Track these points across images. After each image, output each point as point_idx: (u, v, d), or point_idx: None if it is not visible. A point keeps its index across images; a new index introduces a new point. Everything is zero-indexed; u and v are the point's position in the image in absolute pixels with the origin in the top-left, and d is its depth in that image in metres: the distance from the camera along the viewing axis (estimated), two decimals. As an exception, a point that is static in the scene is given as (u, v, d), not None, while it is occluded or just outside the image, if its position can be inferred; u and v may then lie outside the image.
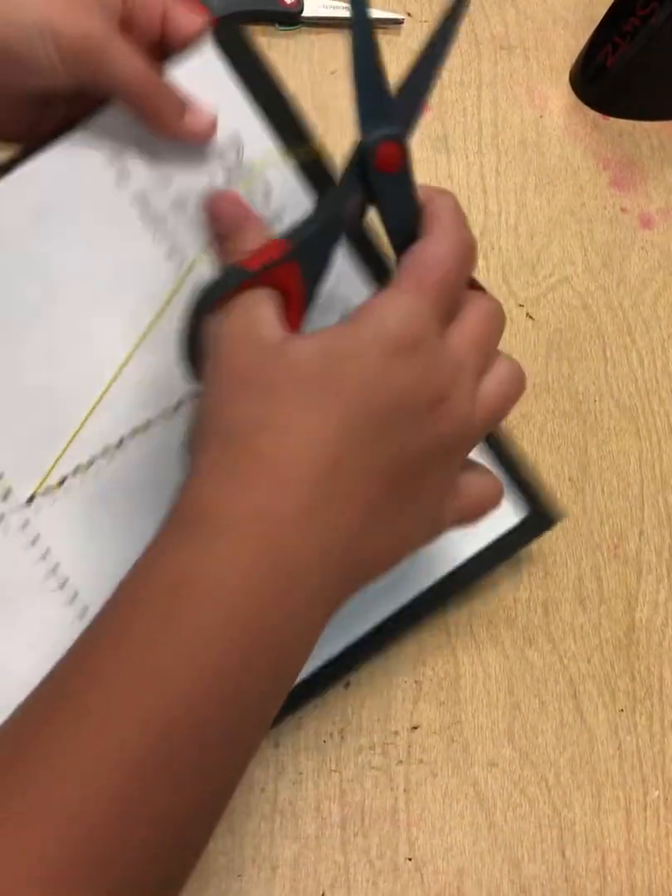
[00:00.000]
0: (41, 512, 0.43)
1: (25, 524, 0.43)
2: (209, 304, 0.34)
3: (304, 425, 0.31)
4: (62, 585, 0.43)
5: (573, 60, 0.69)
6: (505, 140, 0.66)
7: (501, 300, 0.58)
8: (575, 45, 0.69)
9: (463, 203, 0.60)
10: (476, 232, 0.60)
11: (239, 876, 0.43)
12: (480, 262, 0.61)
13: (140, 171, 0.41)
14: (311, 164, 0.42)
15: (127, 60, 0.37)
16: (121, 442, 0.43)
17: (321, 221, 0.36)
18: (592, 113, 0.68)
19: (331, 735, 0.46)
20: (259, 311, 0.34)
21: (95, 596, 0.38)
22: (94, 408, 0.43)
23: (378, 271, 0.43)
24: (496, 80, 0.68)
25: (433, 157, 0.64)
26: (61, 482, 0.43)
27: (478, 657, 0.48)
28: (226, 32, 0.41)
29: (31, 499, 0.43)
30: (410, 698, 0.48)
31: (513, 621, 0.49)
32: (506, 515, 0.47)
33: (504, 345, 0.56)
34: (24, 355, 0.42)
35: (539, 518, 0.48)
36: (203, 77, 0.40)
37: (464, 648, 0.49)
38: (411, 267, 0.34)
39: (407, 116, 0.36)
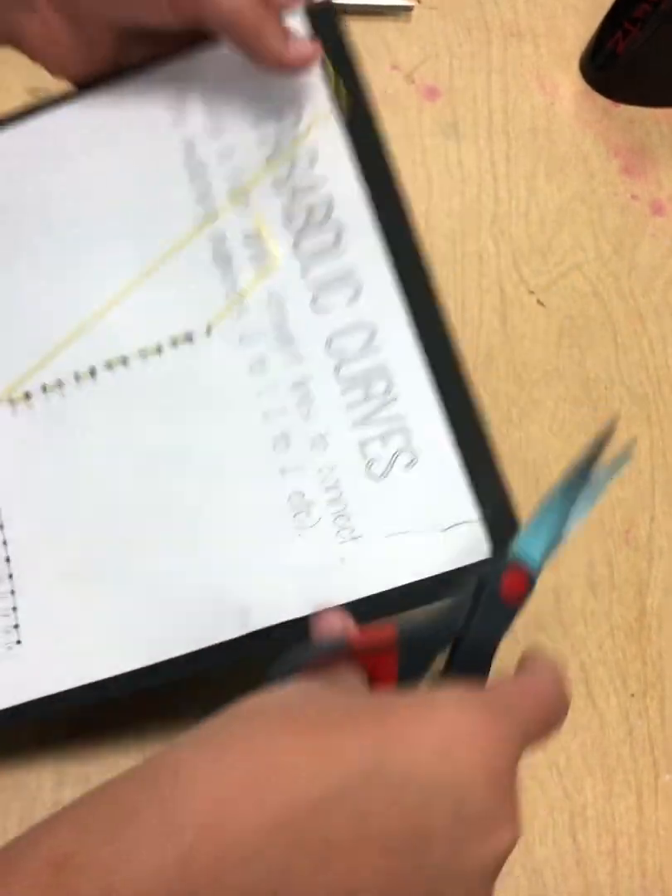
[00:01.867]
0: None
1: None
2: (299, 663, 0.32)
3: None
4: None
5: (583, 47, 0.69)
6: (515, 127, 0.66)
7: (512, 287, 0.59)
8: (585, 32, 0.69)
9: (473, 190, 0.61)
10: (487, 219, 0.60)
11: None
12: (491, 248, 0.61)
13: (196, 118, 0.45)
14: (357, 119, 0.44)
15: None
16: (94, 373, 0.44)
17: (437, 627, 0.35)
18: (603, 100, 0.68)
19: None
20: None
21: (16, 524, 0.42)
22: (79, 331, 0.44)
23: None
24: (506, 66, 0.68)
25: (443, 143, 0.64)
26: (26, 396, 0.44)
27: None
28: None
29: None
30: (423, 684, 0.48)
31: (523, 607, 0.49)
32: (470, 546, 0.40)
33: (515, 331, 0.56)
34: (29, 266, 0.45)
35: (493, 529, 0.40)
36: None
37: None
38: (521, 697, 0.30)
39: (547, 548, 0.36)
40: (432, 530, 0.40)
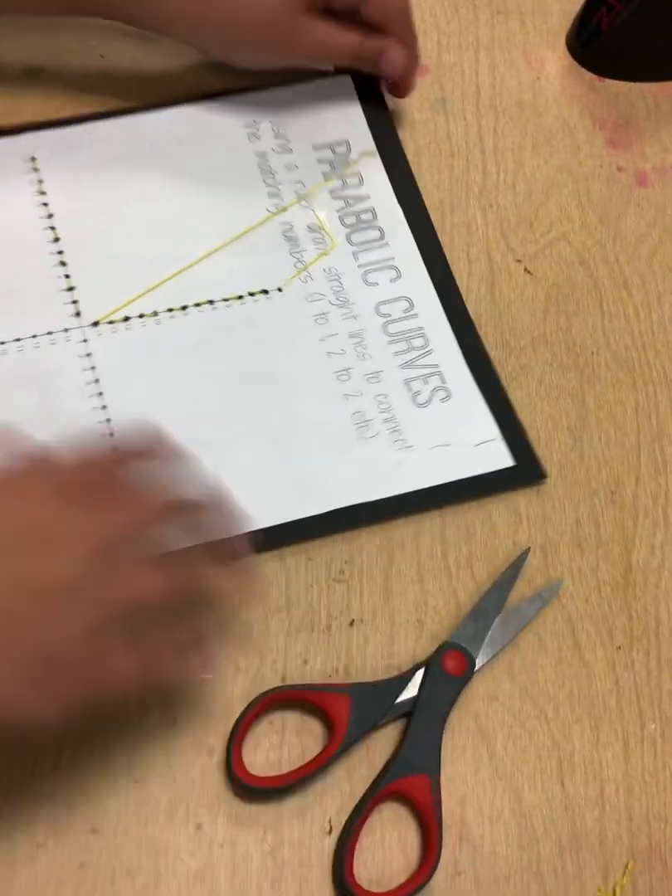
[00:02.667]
0: (101, 337, 0.54)
1: (85, 340, 0.53)
2: None
3: None
4: (97, 395, 0.52)
5: (569, 24, 0.70)
6: (502, 102, 0.67)
7: (500, 256, 0.60)
8: (570, 9, 0.70)
9: (462, 163, 0.62)
10: (475, 191, 0.61)
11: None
12: (479, 219, 0.62)
13: (268, 137, 0.61)
14: (391, 154, 0.62)
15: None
16: (185, 308, 0.55)
17: (386, 684, 0.47)
18: (589, 75, 0.69)
19: (336, 670, 0.48)
20: None
21: (119, 421, 0.51)
22: (175, 274, 0.56)
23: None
24: (493, 43, 0.69)
25: (432, 118, 0.65)
26: (125, 319, 0.54)
27: (478, 597, 0.50)
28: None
29: (95, 323, 0.54)
30: (413, 636, 0.49)
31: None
32: (497, 456, 0.53)
33: (504, 299, 0.57)
34: (128, 223, 0.57)
35: (522, 472, 0.54)
36: (338, 89, 0.63)
37: (464, 589, 0.51)
38: None
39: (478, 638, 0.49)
40: (466, 445, 0.54)
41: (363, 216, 0.60)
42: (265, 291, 0.57)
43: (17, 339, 0.53)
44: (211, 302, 0.56)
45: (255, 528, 0.46)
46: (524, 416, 0.55)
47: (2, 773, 0.44)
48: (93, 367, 0.53)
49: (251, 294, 0.56)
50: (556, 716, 0.48)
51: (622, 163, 0.66)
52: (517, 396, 0.56)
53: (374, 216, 0.60)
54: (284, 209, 0.59)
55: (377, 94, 0.63)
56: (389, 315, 0.57)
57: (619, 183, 0.65)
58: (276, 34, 0.56)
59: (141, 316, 0.55)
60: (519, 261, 0.61)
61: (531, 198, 0.63)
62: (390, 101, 0.64)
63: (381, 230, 0.60)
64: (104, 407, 0.52)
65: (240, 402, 0.53)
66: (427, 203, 0.62)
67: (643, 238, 0.63)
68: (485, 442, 0.54)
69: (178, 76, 0.64)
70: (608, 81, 0.69)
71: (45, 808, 0.44)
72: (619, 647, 0.50)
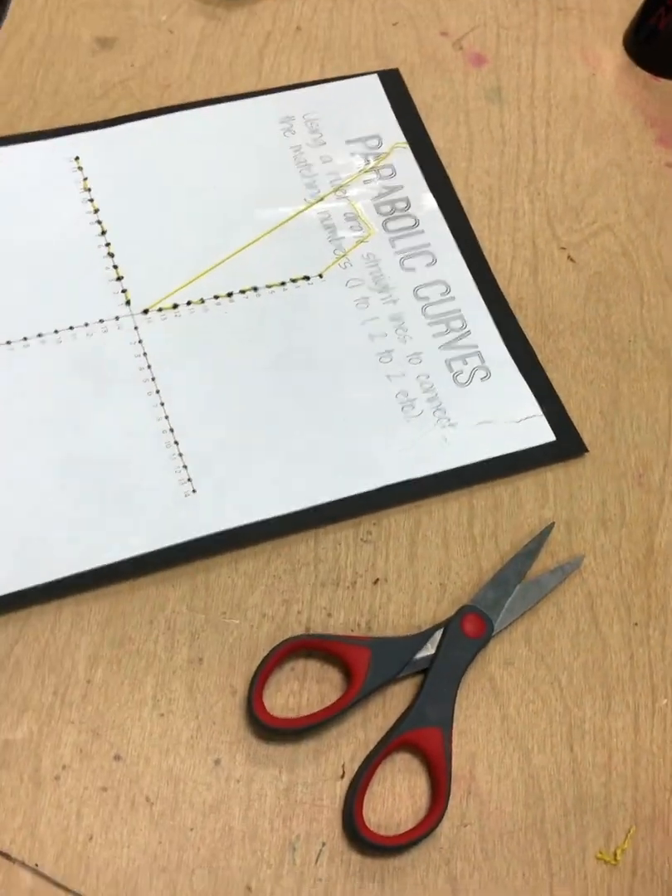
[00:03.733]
0: (151, 324, 0.56)
1: (136, 328, 0.56)
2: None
3: None
4: (150, 381, 0.54)
5: (627, 23, 0.71)
6: (556, 95, 0.68)
7: (544, 243, 0.61)
8: (629, 9, 0.71)
9: (512, 151, 0.64)
10: (524, 179, 0.63)
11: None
12: (527, 206, 0.63)
13: (302, 131, 0.64)
14: (421, 147, 0.64)
15: None
16: (230, 295, 0.58)
17: (406, 640, 0.49)
18: (644, 74, 0.70)
19: (358, 625, 0.49)
20: None
21: (175, 405, 0.53)
22: (219, 262, 0.58)
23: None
24: (551, 39, 0.71)
25: (486, 107, 0.67)
26: (174, 306, 0.57)
27: (500, 566, 0.51)
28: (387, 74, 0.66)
29: (145, 311, 0.56)
30: (434, 599, 0.51)
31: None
32: (539, 432, 0.54)
33: (546, 284, 0.59)
34: (172, 217, 0.60)
35: (563, 446, 0.55)
36: (366, 87, 0.66)
37: (487, 557, 0.52)
38: None
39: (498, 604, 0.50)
40: (509, 422, 0.55)
41: (397, 205, 0.62)
42: (307, 277, 0.59)
43: (71, 328, 0.55)
44: (255, 288, 0.58)
45: (307, 506, 0.51)
46: (559, 396, 0.57)
47: (33, 698, 0.46)
48: (144, 353, 0.55)
49: (293, 280, 0.59)
50: (569, 684, 0.49)
51: (671, 160, 0.67)
52: (553, 378, 0.58)
53: (408, 205, 0.62)
54: (321, 199, 0.62)
55: (403, 90, 0.66)
56: (427, 298, 0.59)
57: (667, 179, 0.66)
58: None
59: (189, 303, 0.57)
60: (563, 248, 0.62)
61: (579, 188, 0.65)
62: (442, 92, 0.66)
63: (415, 218, 0.62)
64: (158, 391, 0.54)
65: (288, 385, 0.55)
66: (476, 188, 0.64)
67: (687, 233, 0.64)
68: (526, 418, 0.56)
69: (230, 60, 0.66)
70: (663, 81, 0.70)
71: (72, 734, 0.46)
72: (636, 624, 0.51)
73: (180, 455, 0.52)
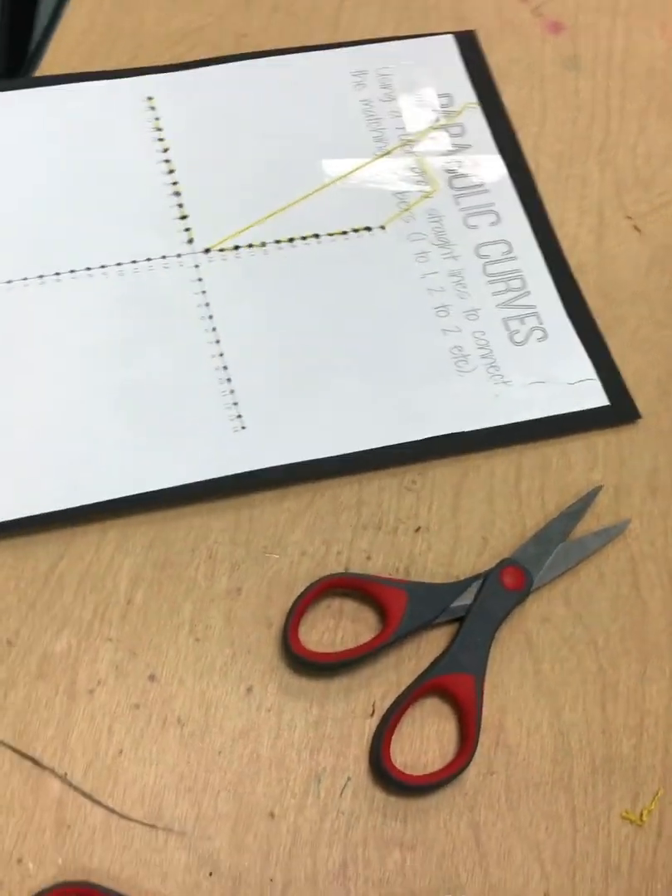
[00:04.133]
0: (212, 263, 0.56)
1: (197, 266, 0.56)
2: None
3: None
4: (207, 319, 0.55)
5: (711, -2, 0.70)
6: (633, 66, 0.68)
7: (611, 212, 0.61)
8: (714, -16, 0.70)
9: (586, 119, 0.63)
10: (595, 147, 0.63)
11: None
12: (596, 175, 0.63)
13: (373, 87, 0.64)
14: (493, 109, 0.64)
15: None
16: (292, 240, 0.58)
17: (445, 586, 0.48)
18: (723, 51, 0.69)
19: (396, 569, 0.50)
20: None
21: (230, 343, 0.54)
22: (283, 208, 0.59)
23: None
24: (631, 10, 0.70)
25: (562, 73, 0.67)
26: (235, 248, 0.57)
27: (544, 524, 0.51)
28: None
29: (207, 250, 0.57)
30: (475, 551, 0.51)
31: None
32: (593, 395, 0.54)
33: (608, 253, 0.59)
34: (241, 160, 0.60)
35: (617, 410, 0.55)
36: (441, 46, 0.66)
37: (531, 516, 0.52)
38: None
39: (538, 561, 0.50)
40: (562, 383, 0.55)
41: (465, 163, 0.62)
42: (368, 228, 0.59)
43: (133, 261, 0.56)
44: (316, 236, 0.58)
45: (355, 450, 0.51)
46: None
47: (74, 613, 0.47)
48: (203, 292, 0.55)
49: (355, 230, 0.59)
50: (606, 645, 0.49)
51: None
52: (610, 345, 0.57)
53: (476, 164, 0.62)
54: (389, 153, 0.62)
55: (478, 53, 0.66)
56: (488, 256, 0.59)
57: None
58: None
59: (250, 246, 0.57)
60: (629, 218, 0.62)
61: (650, 161, 0.64)
62: (517, 56, 0.66)
63: (482, 178, 0.62)
64: (214, 329, 0.54)
65: (343, 332, 0.55)
66: (546, 153, 0.64)
67: None
68: (580, 381, 0.55)
69: (307, 13, 0.66)
70: None
71: (109, 651, 0.47)
72: (678, 592, 0.50)
73: (232, 391, 0.53)
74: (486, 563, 0.50)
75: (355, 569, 0.50)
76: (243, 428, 0.52)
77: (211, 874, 0.42)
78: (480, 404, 0.54)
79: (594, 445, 0.54)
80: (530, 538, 0.50)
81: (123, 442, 0.50)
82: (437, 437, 0.53)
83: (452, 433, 0.53)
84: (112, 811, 0.43)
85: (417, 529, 0.51)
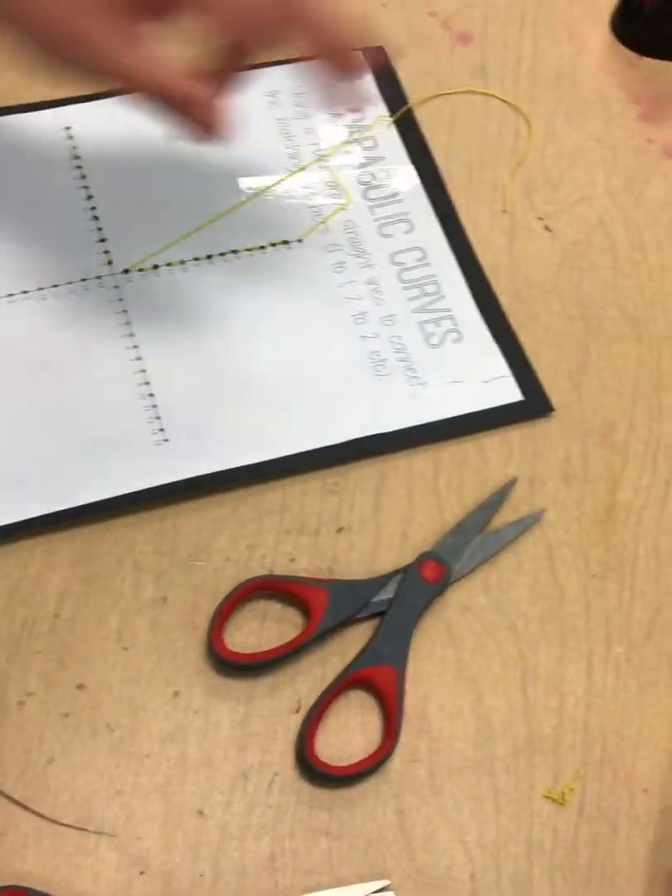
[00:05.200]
0: (132, 283, 0.58)
1: (117, 287, 0.58)
2: None
3: None
4: (129, 336, 0.57)
5: (613, 3, 0.73)
6: (541, 73, 0.70)
7: (522, 213, 0.63)
8: (616, -11, 0.73)
9: (495, 126, 0.65)
10: (505, 152, 0.65)
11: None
12: (505, 178, 0.65)
13: (286, 104, 0.67)
14: (408, 127, 0.66)
15: None
16: (210, 257, 0.60)
17: (365, 583, 0.50)
18: (629, 53, 0.72)
19: (320, 570, 0.51)
20: None
21: (152, 359, 0.56)
22: (200, 226, 0.61)
23: None
24: (539, 18, 0.72)
25: (471, 83, 0.69)
26: (155, 267, 0.59)
27: (462, 517, 0.52)
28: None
29: (126, 271, 0.59)
30: (396, 547, 0.52)
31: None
32: (507, 391, 0.57)
33: (519, 253, 0.60)
34: (174, 179, 0.62)
35: (530, 405, 0.56)
36: None
37: (450, 510, 0.53)
38: None
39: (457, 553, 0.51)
40: (477, 381, 0.57)
41: (378, 175, 0.64)
42: (286, 242, 0.61)
43: (55, 286, 0.58)
44: (235, 251, 0.60)
45: (277, 456, 0.53)
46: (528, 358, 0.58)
47: (2, 628, 0.48)
48: (124, 311, 0.57)
49: (272, 244, 0.61)
50: (525, 630, 0.50)
51: (653, 135, 0.68)
52: (524, 342, 0.59)
53: (388, 175, 0.64)
54: (303, 168, 0.64)
55: (388, 66, 0.67)
56: (404, 263, 0.61)
57: (647, 153, 0.67)
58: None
59: (169, 264, 0.59)
60: (540, 219, 0.64)
61: (559, 162, 0.66)
62: (427, 68, 0.68)
63: (394, 189, 0.64)
64: (136, 346, 0.56)
65: (263, 343, 0.57)
66: (457, 161, 0.65)
67: (665, 206, 0.65)
68: (495, 378, 0.57)
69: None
70: (647, 59, 0.71)
71: (38, 663, 0.48)
72: (594, 575, 0.52)
73: (155, 407, 0.54)
74: (406, 558, 0.51)
75: (279, 571, 0.51)
76: (166, 440, 0.53)
77: (142, 873, 0.44)
78: (398, 405, 0.56)
79: (509, 439, 0.56)
80: (449, 531, 0.52)
81: (49, 460, 0.52)
82: (357, 439, 0.55)
83: (372, 435, 0.55)
84: (43, 817, 0.44)
85: (340, 530, 0.52)
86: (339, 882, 0.44)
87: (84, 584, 0.50)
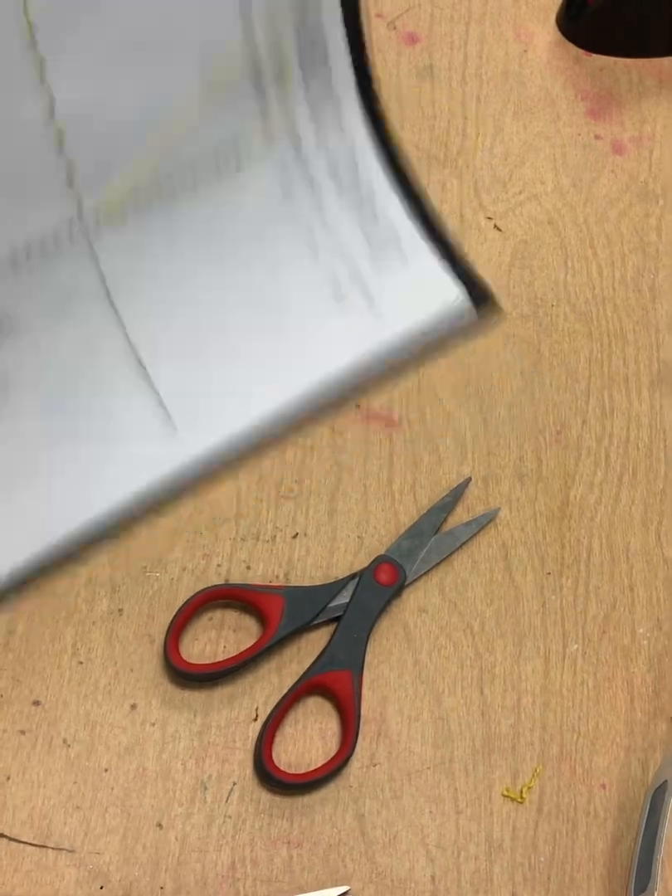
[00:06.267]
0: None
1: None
2: None
3: None
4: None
5: (559, 1, 0.73)
6: (488, 71, 0.70)
7: (471, 213, 0.63)
8: (562, -14, 0.73)
9: (443, 126, 0.65)
10: (453, 152, 0.65)
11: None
12: (454, 181, 0.65)
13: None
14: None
15: None
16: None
17: (320, 588, 0.50)
18: (575, 49, 0.72)
19: (276, 576, 0.51)
20: None
21: (131, 316, 0.53)
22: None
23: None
24: (485, 17, 0.72)
25: (418, 84, 0.69)
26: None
27: (417, 519, 0.53)
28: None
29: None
30: (352, 551, 0.52)
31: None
32: (459, 307, 0.58)
33: (470, 252, 0.60)
34: None
35: (475, 299, 0.58)
36: None
37: (405, 512, 0.54)
38: None
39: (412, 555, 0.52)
40: (431, 299, 0.57)
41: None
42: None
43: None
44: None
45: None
46: (479, 360, 0.58)
47: (-42, 646, 0.48)
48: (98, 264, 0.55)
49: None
50: (481, 630, 0.51)
51: (600, 132, 0.68)
52: (475, 344, 0.59)
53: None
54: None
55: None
56: (351, 194, 0.60)
57: (595, 150, 0.68)
58: None
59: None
60: (489, 218, 0.64)
61: (507, 160, 0.66)
62: (374, 70, 0.68)
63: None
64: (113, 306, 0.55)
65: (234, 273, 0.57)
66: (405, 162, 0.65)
67: (614, 202, 0.65)
68: (447, 296, 0.58)
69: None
70: (594, 56, 0.72)
71: (-6, 680, 0.48)
72: (549, 573, 0.52)
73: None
74: (362, 561, 0.51)
75: (235, 579, 0.51)
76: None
77: (102, 887, 0.43)
78: (360, 322, 0.57)
79: (463, 440, 0.56)
80: (403, 534, 0.52)
81: None
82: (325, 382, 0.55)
83: (338, 375, 0.55)
84: (1, 835, 0.44)
85: (295, 536, 0.52)
86: (300, 889, 0.44)
87: (38, 600, 0.49)
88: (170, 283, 0.56)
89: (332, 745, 0.47)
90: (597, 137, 0.68)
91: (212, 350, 0.55)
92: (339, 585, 0.50)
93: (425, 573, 0.52)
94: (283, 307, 0.56)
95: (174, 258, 0.56)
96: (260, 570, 0.51)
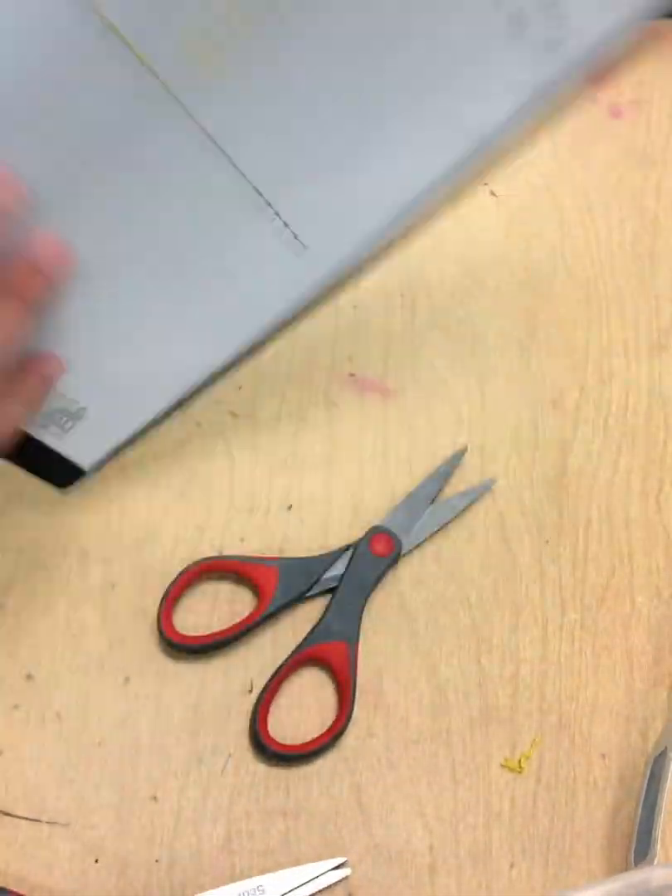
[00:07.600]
0: None
1: None
2: None
3: None
4: None
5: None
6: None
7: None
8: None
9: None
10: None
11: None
12: (449, 145, 0.64)
13: None
14: None
15: None
16: None
17: (315, 560, 0.49)
18: (572, 12, 0.70)
19: (270, 549, 0.51)
20: None
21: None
22: None
23: None
24: None
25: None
26: None
27: (412, 489, 0.52)
28: None
29: None
30: (347, 523, 0.52)
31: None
32: None
33: (467, 219, 0.59)
34: None
35: None
36: None
37: (400, 482, 0.53)
38: None
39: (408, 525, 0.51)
40: None
41: None
42: None
43: None
44: None
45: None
46: (476, 329, 0.57)
47: (-51, 621, 0.47)
48: None
49: None
50: (479, 600, 0.50)
51: (598, 96, 0.67)
52: (471, 311, 0.58)
53: None
54: None
55: None
56: None
57: (592, 115, 0.67)
58: None
59: None
60: (485, 184, 0.63)
61: (503, 126, 0.65)
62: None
63: None
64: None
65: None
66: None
67: (611, 166, 0.64)
68: None
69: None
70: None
71: (-13, 655, 0.47)
72: (547, 542, 0.52)
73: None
74: (357, 533, 0.51)
75: (230, 552, 0.50)
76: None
77: (97, 861, 0.43)
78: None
79: (459, 410, 0.55)
80: (399, 504, 0.51)
81: None
82: None
83: None
84: (-6, 811, 0.44)
85: (289, 507, 0.52)
86: (297, 861, 0.44)
87: (30, 573, 0.49)
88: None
89: (327, 717, 0.47)
90: (594, 102, 0.67)
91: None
92: (333, 556, 0.49)
93: (421, 544, 0.51)
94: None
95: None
96: (254, 542, 0.51)
